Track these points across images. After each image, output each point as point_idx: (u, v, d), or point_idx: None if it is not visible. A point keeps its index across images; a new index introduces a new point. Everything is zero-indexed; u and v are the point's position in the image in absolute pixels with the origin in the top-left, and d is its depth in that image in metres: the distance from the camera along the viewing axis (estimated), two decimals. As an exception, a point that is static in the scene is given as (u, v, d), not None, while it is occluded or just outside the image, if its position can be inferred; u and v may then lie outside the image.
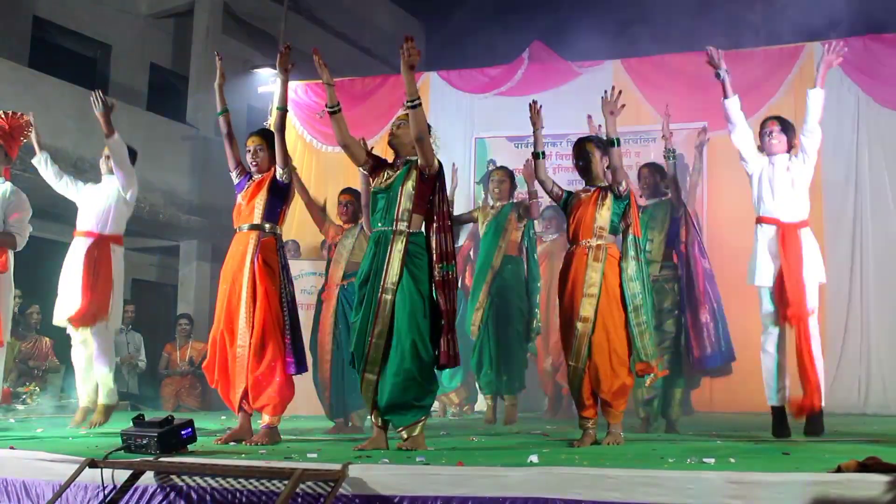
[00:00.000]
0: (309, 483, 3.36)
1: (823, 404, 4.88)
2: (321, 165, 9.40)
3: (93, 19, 11.84)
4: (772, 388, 4.95)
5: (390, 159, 4.71)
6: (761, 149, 5.19)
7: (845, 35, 8.33)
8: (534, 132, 5.02)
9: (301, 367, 5.03)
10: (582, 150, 4.88)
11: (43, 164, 6.03)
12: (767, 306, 4.96)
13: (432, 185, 4.44)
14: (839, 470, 3.03)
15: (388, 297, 4.31)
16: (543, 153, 4.99)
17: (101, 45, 12.11)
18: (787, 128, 5.18)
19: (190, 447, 4.09)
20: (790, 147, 5.13)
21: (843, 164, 7.88)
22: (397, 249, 4.35)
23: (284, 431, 5.65)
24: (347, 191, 6.31)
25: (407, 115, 4.57)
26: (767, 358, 4.98)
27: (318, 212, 6.28)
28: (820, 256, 5.04)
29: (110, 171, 5.99)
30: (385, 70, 14.11)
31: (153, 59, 12.86)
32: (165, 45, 13.11)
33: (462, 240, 7.56)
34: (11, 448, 4.18)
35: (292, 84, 9.91)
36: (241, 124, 13.20)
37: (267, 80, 10.24)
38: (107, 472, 3.57)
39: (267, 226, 5.05)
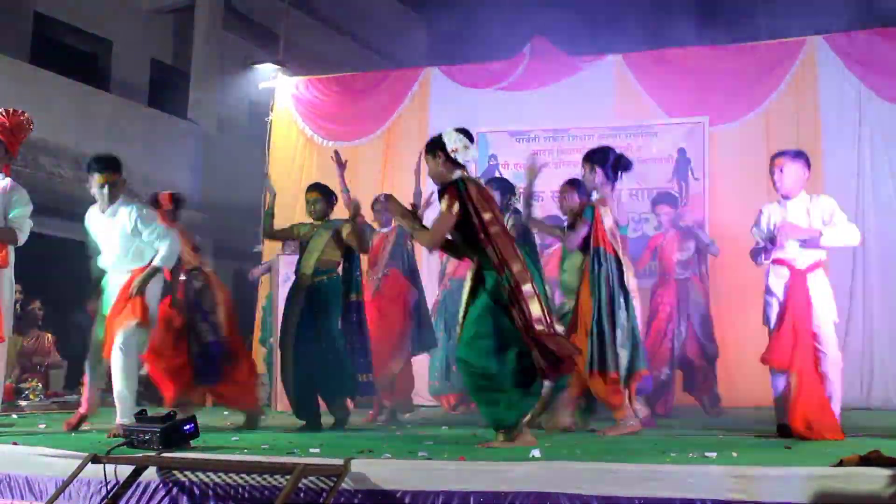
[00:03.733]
0: (311, 478, 3.36)
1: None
2: (323, 161, 9.38)
3: (93, 15, 11.83)
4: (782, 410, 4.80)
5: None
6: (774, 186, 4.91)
7: (847, 29, 8.33)
8: (529, 186, 5.44)
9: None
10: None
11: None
12: None
13: (462, 214, 4.29)
14: (841, 464, 3.03)
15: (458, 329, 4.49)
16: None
17: (101, 41, 12.10)
18: (798, 157, 4.86)
19: (192, 442, 4.10)
20: (807, 179, 4.86)
21: (844, 159, 7.87)
22: (467, 283, 4.44)
23: (286, 428, 5.66)
24: (313, 188, 6.13)
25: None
26: (779, 383, 4.84)
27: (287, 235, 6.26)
28: (831, 296, 4.82)
29: (111, 200, 5.26)
30: (386, 65, 14.10)
31: (154, 54, 12.86)
32: (166, 41, 13.10)
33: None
34: (14, 444, 4.19)
35: (293, 80, 9.91)
36: (241, 119, 13.25)
37: (267, 76, 10.22)
38: (109, 467, 3.58)
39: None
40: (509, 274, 4.10)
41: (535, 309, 4.06)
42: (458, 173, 4.35)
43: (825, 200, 4.83)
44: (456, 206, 4.24)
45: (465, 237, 4.31)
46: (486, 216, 4.20)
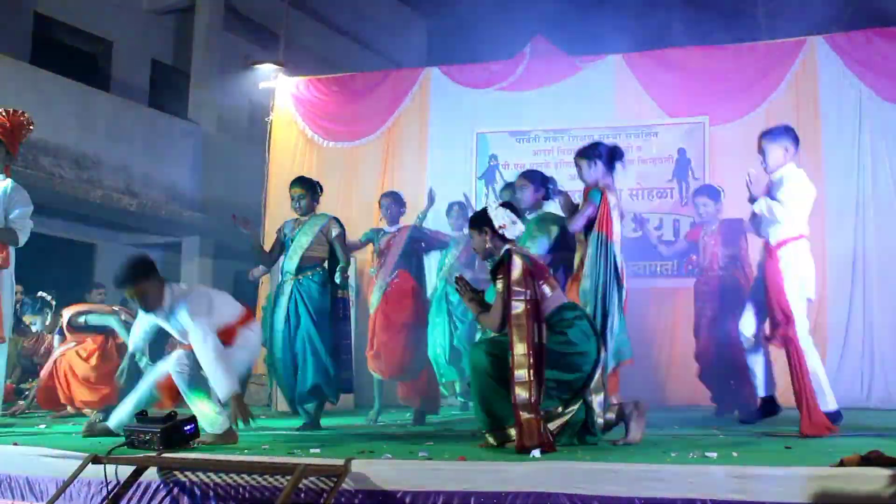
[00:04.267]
0: (312, 478, 3.37)
1: (831, 408, 4.82)
2: (323, 162, 9.39)
3: (94, 15, 11.84)
4: (760, 381, 5.19)
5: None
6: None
7: (848, 29, 8.32)
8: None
9: None
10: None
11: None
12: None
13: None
14: (841, 464, 3.03)
15: None
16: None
17: (102, 42, 12.11)
18: (779, 136, 5.01)
19: (192, 443, 4.10)
20: (795, 152, 5.02)
21: (844, 158, 7.86)
22: None
23: (287, 427, 5.67)
24: (298, 183, 6.04)
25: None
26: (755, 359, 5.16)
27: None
28: (809, 271, 4.94)
29: (149, 308, 4.65)
30: (386, 65, 14.10)
31: (154, 55, 12.87)
32: (167, 41, 13.11)
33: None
34: (15, 444, 4.20)
35: (293, 80, 9.91)
36: (242, 119, 13.25)
37: (268, 76, 10.22)
38: (110, 468, 3.58)
39: None
40: (510, 354, 4.06)
41: (521, 395, 3.99)
42: (506, 247, 4.34)
43: (787, 174, 4.95)
44: (502, 284, 4.22)
45: None
46: (515, 296, 4.13)
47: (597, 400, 4.35)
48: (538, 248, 5.43)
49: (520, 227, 4.43)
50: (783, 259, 4.86)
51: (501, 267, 4.25)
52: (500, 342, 4.25)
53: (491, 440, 4.17)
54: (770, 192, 4.98)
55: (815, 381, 4.78)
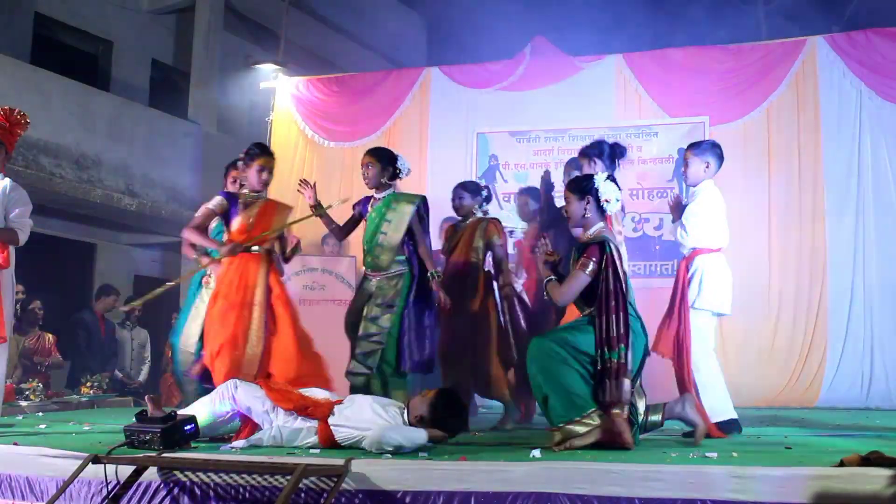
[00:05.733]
0: (312, 478, 3.37)
1: (728, 417, 4.85)
2: (323, 161, 9.40)
3: (94, 15, 11.84)
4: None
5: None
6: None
7: (847, 29, 8.32)
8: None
9: None
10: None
11: None
12: None
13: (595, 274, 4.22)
14: (842, 464, 3.03)
15: None
16: None
17: (102, 42, 12.10)
18: (703, 151, 5.09)
19: (192, 443, 4.10)
20: (717, 169, 5.10)
21: (845, 158, 7.87)
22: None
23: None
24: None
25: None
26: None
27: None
28: (723, 285, 4.96)
29: None
30: (386, 65, 14.11)
31: (155, 55, 12.85)
32: (167, 41, 13.10)
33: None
34: (15, 444, 4.20)
35: (293, 80, 9.92)
36: (241, 119, 13.25)
37: (268, 76, 10.23)
38: (110, 467, 3.58)
39: None
40: (608, 353, 4.03)
41: (626, 389, 4.00)
42: (600, 225, 4.32)
43: (701, 189, 5.03)
44: (592, 266, 4.17)
45: (583, 293, 4.24)
46: (617, 286, 4.12)
47: (640, 404, 4.30)
48: (394, 228, 5.38)
49: (618, 207, 4.38)
50: (692, 269, 4.90)
51: (594, 248, 4.18)
52: (565, 332, 4.22)
53: (559, 436, 4.04)
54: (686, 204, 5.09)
55: (712, 394, 4.80)
